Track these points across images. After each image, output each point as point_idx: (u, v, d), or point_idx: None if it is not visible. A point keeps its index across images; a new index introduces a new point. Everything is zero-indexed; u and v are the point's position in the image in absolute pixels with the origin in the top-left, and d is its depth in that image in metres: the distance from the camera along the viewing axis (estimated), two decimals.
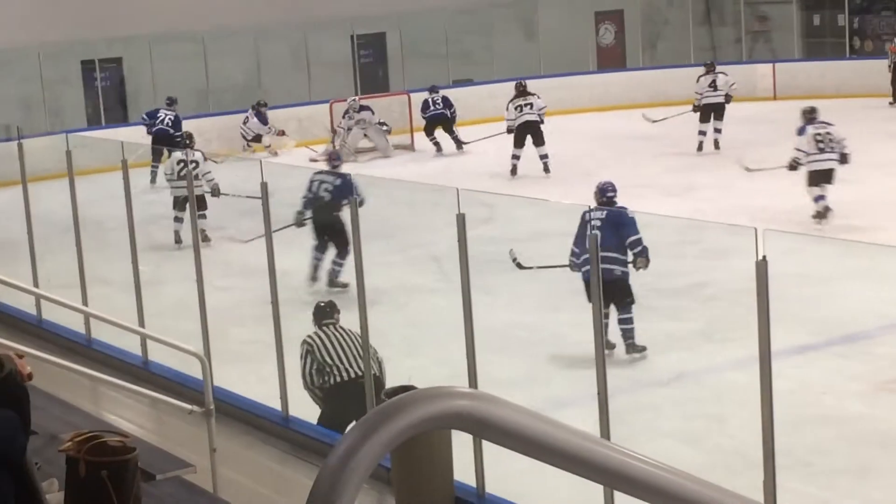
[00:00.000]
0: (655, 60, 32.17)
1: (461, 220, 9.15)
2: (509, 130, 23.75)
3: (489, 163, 23.91)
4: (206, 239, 17.17)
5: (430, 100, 26.81)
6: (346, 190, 13.97)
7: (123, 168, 12.83)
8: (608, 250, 11.97)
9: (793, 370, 11.32)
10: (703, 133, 24.89)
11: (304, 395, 11.50)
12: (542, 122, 23.69)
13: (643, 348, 12.44)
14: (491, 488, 9.23)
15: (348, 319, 12.02)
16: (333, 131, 26.62)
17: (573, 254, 12.69)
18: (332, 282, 15.64)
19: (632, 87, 31.44)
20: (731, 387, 11.04)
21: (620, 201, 13.78)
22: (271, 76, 29.44)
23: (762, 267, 7.18)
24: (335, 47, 30.66)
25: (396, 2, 30.49)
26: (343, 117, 26.36)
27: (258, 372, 11.85)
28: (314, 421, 10.83)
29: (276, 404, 11.02)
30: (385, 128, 26.17)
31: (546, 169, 23.14)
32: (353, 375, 10.58)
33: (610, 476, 2.59)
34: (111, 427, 7.53)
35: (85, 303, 13.09)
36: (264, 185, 10.89)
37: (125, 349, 12.74)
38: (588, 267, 12.33)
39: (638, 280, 14.19)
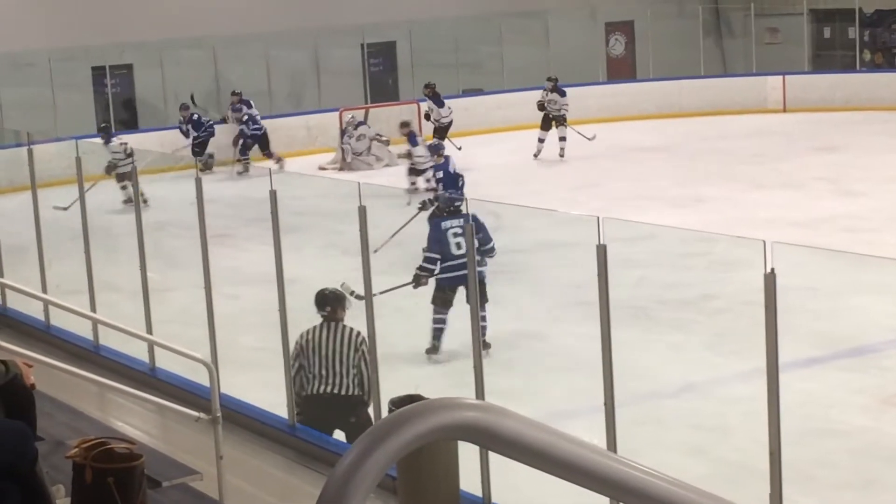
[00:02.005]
0: (665, 72, 32.15)
1: (470, 230, 9.17)
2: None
3: (497, 172, 23.91)
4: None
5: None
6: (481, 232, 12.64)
7: (132, 174, 12.85)
8: (458, 258, 12.60)
9: (799, 383, 11.30)
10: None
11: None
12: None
13: (489, 345, 12.36)
14: (497, 498, 9.23)
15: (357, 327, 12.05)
16: (342, 132, 26.65)
17: (429, 260, 13.08)
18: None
19: (641, 98, 31.44)
20: (737, 399, 11.03)
21: (626, 213, 13.85)
22: (281, 84, 29.46)
23: (770, 280, 7.18)
24: (345, 55, 30.69)
25: (407, 11, 30.52)
26: (343, 136, 26.43)
27: (265, 379, 11.84)
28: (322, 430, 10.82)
29: (282, 412, 11.02)
30: (384, 138, 26.21)
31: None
32: (332, 391, 10.45)
33: (616, 488, 2.60)
34: (118, 434, 7.55)
35: (93, 309, 13.11)
36: (273, 194, 10.91)
37: (132, 356, 12.76)
38: (451, 273, 12.88)
39: (644, 292, 14.20)
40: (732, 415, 11.05)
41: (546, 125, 26.30)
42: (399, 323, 13.93)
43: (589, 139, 25.29)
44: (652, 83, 31.96)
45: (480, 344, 9.36)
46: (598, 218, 8.12)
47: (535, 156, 25.83)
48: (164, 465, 7.15)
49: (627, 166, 24.21)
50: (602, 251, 8.12)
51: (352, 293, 12.30)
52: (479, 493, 9.22)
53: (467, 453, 8.32)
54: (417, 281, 13.11)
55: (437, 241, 13.16)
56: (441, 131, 26.00)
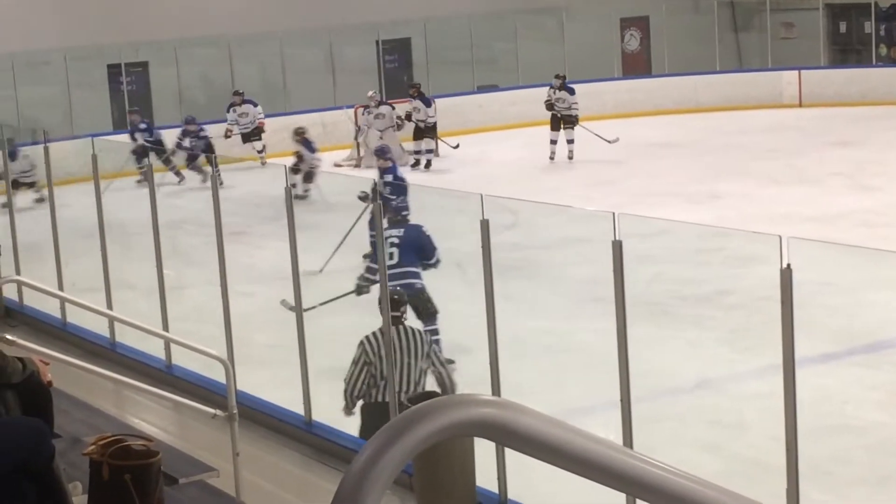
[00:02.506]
0: (680, 67, 32.10)
1: (485, 226, 9.17)
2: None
3: (512, 169, 23.90)
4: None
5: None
6: (414, 238, 12.98)
7: (149, 172, 12.87)
8: (410, 265, 12.51)
9: (814, 379, 11.28)
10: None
11: (327, 400, 11.51)
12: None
13: (451, 361, 11.56)
14: (513, 495, 9.23)
15: (372, 325, 12.04)
16: (357, 128, 26.61)
17: (369, 270, 12.80)
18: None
19: (657, 93, 31.40)
20: (754, 396, 11.02)
21: (641, 209, 13.76)
22: (297, 81, 29.48)
23: (787, 275, 7.17)
24: (360, 53, 30.70)
25: (422, 7, 30.51)
26: (363, 114, 26.38)
27: (281, 376, 11.86)
28: (337, 425, 10.82)
29: (299, 409, 11.04)
30: (400, 122, 26.07)
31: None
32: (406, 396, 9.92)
33: (632, 484, 2.60)
34: (135, 431, 7.57)
35: (109, 306, 13.14)
36: (288, 190, 10.92)
37: (149, 353, 12.78)
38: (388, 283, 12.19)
39: (660, 287, 14.18)
40: (749, 411, 11.03)
41: (556, 125, 25.80)
42: (415, 319, 13.93)
43: (610, 142, 25.02)
44: (667, 79, 31.92)
45: (496, 340, 9.35)
46: (613, 214, 8.11)
47: (551, 159, 25.37)
48: (181, 462, 7.16)
49: (643, 162, 24.17)
50: (618, 247, 8.12)
51: (291, 308, 12.14)
52: (495, 489, 9.22)
53: (483, 450, 8.30)
54: (360, 290, 12.84)
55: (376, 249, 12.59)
56: (428, 131, 25.95)
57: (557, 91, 25.84)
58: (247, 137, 26.84)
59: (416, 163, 25.80)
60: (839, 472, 10.02)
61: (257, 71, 29.15)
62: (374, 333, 10.04)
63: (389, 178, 17.87)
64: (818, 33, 32.70)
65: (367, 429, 10.00)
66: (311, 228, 14.38)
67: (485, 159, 25.33)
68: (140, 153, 23.37)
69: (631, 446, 8.09)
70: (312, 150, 23.37)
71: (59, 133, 23.49)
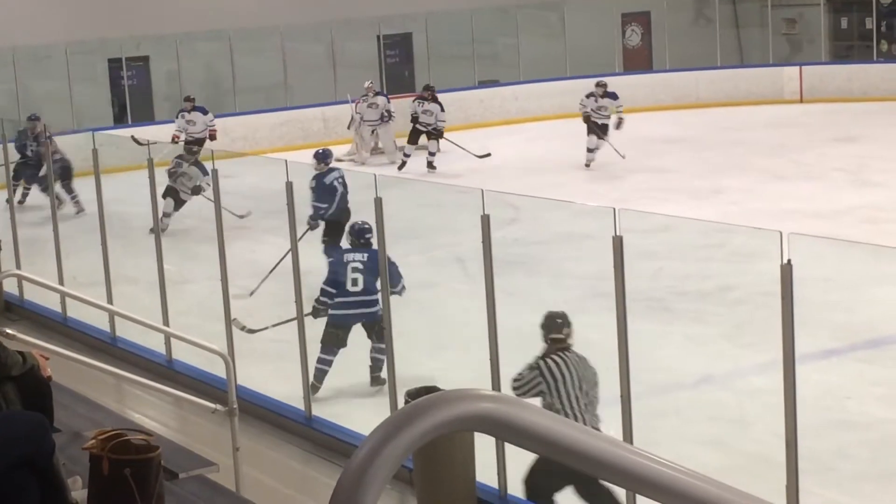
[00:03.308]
0: (682, 62, 32.09)
1: (486, 220, 9.17)
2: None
3: (514, 164, 23.88)
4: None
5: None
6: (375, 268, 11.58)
7: (149, 167, 12.87)
8: (371, 293, 11.82)
9: (816, 374, 11.28)
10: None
11: (327, 395, 11.53)
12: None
13: (383, 381, 11.51)
14: (513, 490, 9.23)
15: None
16: (351, 118, 26.47)
17: (326, 294, 12.03)
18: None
19: (658, 89, 31.38)
20: (755, 391, 11.01)
21: (643, 204, 13.71)
22: (298, 76, 29.47)
23: (787, 271, 7.17)
24: (362, 47, 30.69)
25: (423, 2, 30.49)
26: (360, 101, 26.21)
27: (281, 371, 11.86)
28: (337, 420, 10.82)
29: (299, 404, 11.05)
30: (391, 120, 25.87)
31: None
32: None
33: (632, 479, 2.59)
34: (135, 425, 7.55)
35: (110, 301, 13.14)
36: (289, 185, 10.92)
37: (149, 347, 12.79)
38: (345, 311, 11.88)
39: (662, 283, 14.17)
40: (750, 406, 11.03)
41: (594, 129, 24.02)
42: (416, 314, 13.94)
43: (622, 157, 23.98)
44: (669, 74, 31.89)
45: (496, 335, 9.35)
46: (614, 209, 8.11)
47: (587, 165, 23.76)
48: (181, 457, 7.15)
49: (644, 158, 24.15)
50: (619, 242, 8.12)
51: (242, 328, 12.38)
52: (495, 484, 9.23)
53: (484, 445, 8.28)
54: (316, 313, 11.96)
55: (334, 272, 12.26)
56: (436, 136, 24.91)
57: (600, 99, 24.15)
58: (192, 146, 23.74)
59: (403, 164, 24.77)
60: (841, 468, 10.01)
61: (258, 65, 29.12)
62: (548, 361, 9.05)
63: (314, 182, 16.09)
64: (820, 29, 32.67)
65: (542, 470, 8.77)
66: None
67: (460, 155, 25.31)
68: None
69: (631, 442, 8.09)
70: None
71: (60, 127, 23.50)
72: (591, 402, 8.90)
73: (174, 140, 24.51)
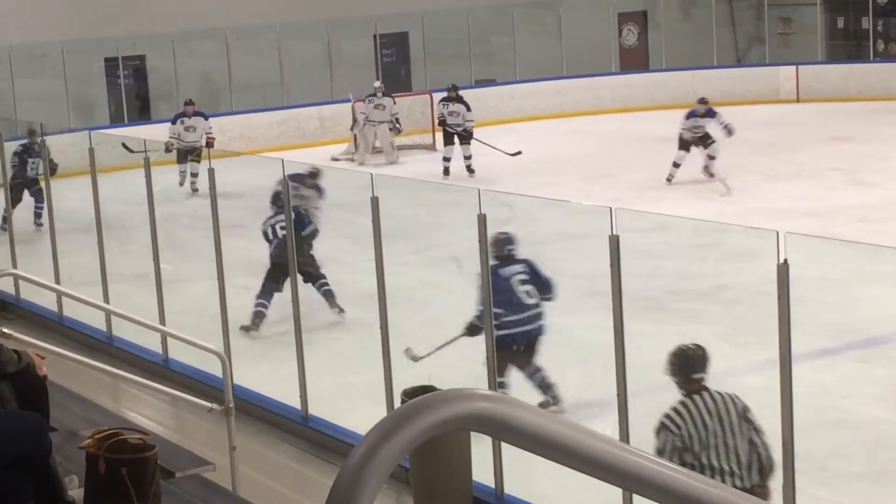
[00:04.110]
0: (678, 62, 32.11)
1: (482, 220, 9.17)
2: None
3: (510, 163, 23.87)
4: None
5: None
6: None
7: (146, 166, 12.88)
8: (536, 306, 11.16)
9: (812, 374, 11.29)
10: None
11: (324, 394, 11.52)
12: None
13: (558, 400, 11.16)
14: (510, 489, 9.23)
15: (367, 319, 12.03)
16: (354, 120, 26.32)
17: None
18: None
19: (654, 88, 31.40)
20: (752, 390, 11.00)
21: (639, 203, 13.67)
22: (294, 75, 29.47)
23: (783, 270, 7.18)
24: (358, 46, 30.68)
25: (420, 1, 30.49)
26: (365, 101, 25.98)
27: (278, 371, 11.87)
28: (334, 419, 10.82)
29: (295, 403, 11.05)
30: (398, 125, 25.68)
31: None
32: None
33: (628, 479, 2.59)
34: (131, 424, 7.56)
35: (106, 300, 13.14)
36: (286, 185, 10.92)
37: (146, 347, 12.79)
38: (521, 328, 11.04)
39: (658, 282, 14.17)
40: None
41: (686, 147, 21.77)
42: (411, 313, 13.94)
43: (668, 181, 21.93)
44: (665, 73, 31.91)
45: (492, 334, 9.35)
46: (610, 209, 8.11)
47: (669, 180, 21.52)
48: (178, 456, 7.16)
49: (641, 157, 24.16)
50: (615, 242, 8.12)
51: (414, 358, 11.49)
52: (491, 484, 9.23)
53: (480, 445, 8.29)
54: (475, 331, 10.79)
55: (497, 293, 10.70)
56: (467, 137, 23.83)
57: (701, 118, 21.82)
58: (185, 155, 22.98)
59: (447, 170, 23.69)
60: (837, 467, 10.02)
61: (255, 64, 29.11)
62: (674, 409, 7.86)
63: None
64: (816, 29, 32.69)
65: None
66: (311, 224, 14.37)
67: (482, 153, 25.28)
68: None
69: (627, 441, 8.09)
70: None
71: (55, 126, 23.48)
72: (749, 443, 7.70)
73: (167, 148, 22.47)
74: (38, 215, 19.19)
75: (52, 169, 18.72)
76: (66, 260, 14.67)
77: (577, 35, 31.48)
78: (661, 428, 7.69)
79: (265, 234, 14.24)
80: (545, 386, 11.18)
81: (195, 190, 22.08)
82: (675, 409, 7.76)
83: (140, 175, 12.89)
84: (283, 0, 29.85)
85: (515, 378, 10.99)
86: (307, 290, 13.50)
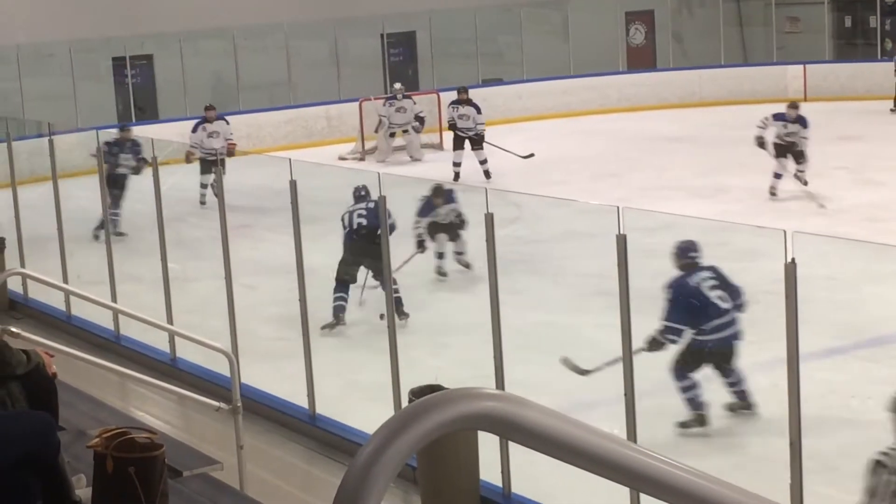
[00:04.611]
0: (686, 61, 32.09)
1: (489, 219, 9.18)
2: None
3: (517, 162, 23.87)
4: None
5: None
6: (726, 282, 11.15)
7: (153, 165, 12.89)
8: (730, 311, 10.68)
9: (820, 373, 11.27)
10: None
11: (332, 393, 11.52)
12: None
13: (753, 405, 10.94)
14: (517, 489, 9.24)
15: (374, 318, 12.04)
16: (379, 121, 26.14)
17: (672, 331, 10.70)
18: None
19: (662, 87, 31.39)
20: (759, 389, 11.00)
21: (646, 203, 13.63)
22: (301, 74, 29.49)
23: (791, 269, 7.18)
24: (365, 45, 30.69)
25: (427, 1, 30.48)
26: (384, 104, 25.90)
27: (285, 370, 11.88)
28: (341, 419, 10.83)
29: (303, 402, 11.06)
30: (417, 124, 25.54)
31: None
32: None
33: (636, 479, 2.59)
34: (139, 423, 7.57)
35: (114, 299, 13.16)
36: (293, 183, 10.92)
37: (153, 346, 12.81)
38: (723, 333, 10.60)
39: (665, 281, 14.15)
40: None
41: (783, 153, 20.22)
42: (419, 312, 13.95)
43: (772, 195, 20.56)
44: (672, 73, 31.90)
45: (500, 333, 9.35)
46: (618, 208, 8.12)
47: (773, 193, 20.06)
48: (185, 455, 7.16)
49: (648, 156, 24.15)
50: (622, 241, 8.13)
51: (579, 370, 11.11)
52: (499, 483, 9.23)
53: (488, 444, 8.28)
54: (655, 346, 10.56)
55: (687, 305, 10.71)
56: (478, 141, 23.17)
57: (790, 125, 20.29)
58: (210, 165, 20.61)
59: (457, 176, 22.81)
60: (845, 467, 10.00)
61: (262, 64, 29.12)
62: (893, 449, 6.92)
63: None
64: (823, 27, 32.66)
65: None
66: (316, 221, 14.36)
67: (489, 153, 25.27)
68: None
69: (635, 440, 8.09)
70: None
71: (63, 126, 23.50)
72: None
73: (189, 159, 21.45)
74: (114, 223, 17.62)
75: (138, 167, 18.10)
76: (74, 259, 14.69)
77: (585, 34, 31.47)
78: (877, 466, 6.91)
79: (343, 221, 14.38)
80: (741, 392, 10.86)
81: (203, 203, 20.79)
82: (894, 449, 6.95)
83: (147, 174, 12.90)
84: (290, 0, 29.89)
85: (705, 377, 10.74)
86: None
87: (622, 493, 8.38)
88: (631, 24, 34.18)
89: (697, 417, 10.66)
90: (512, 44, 31.87)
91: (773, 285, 7.46)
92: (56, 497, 5.27)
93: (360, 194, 14.46)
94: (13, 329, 7.18)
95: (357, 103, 27.30)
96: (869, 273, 14.34)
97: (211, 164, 20.10)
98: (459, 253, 15.36)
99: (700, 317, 10.62)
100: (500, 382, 9.26)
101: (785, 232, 7.11)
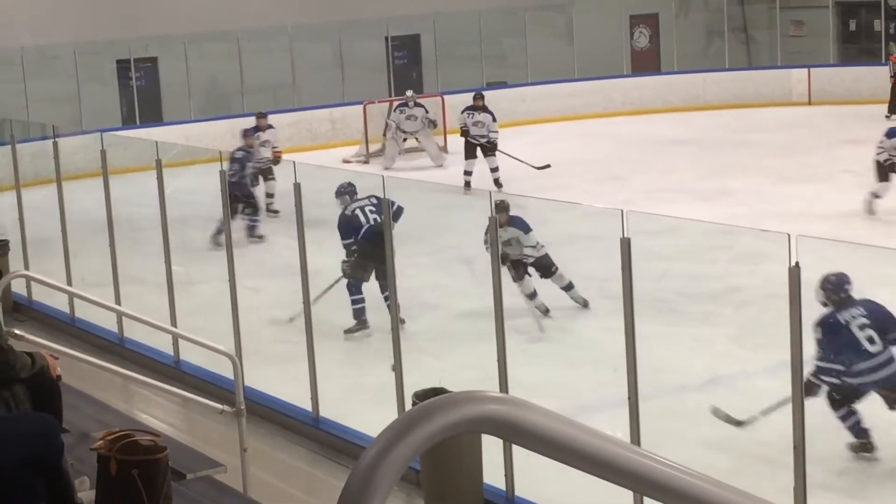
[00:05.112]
0: (690, 64, 32.09)
1: (493, 222, 9.18)
2: None
3: (522, 166, 23.87)
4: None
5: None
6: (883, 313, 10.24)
7: (157, 168, 12.88)
8: (883, 353, 9.79)
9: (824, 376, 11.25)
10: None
11: (335, 396, 11.52)
12: None
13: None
14: (521, 492, 9.23)
15: (375, 319, 12.04)
16: (386, 125, 26.09)
17: (828, 372, 9.79)
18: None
19: (666, 90, 31.39)
20: (763, 393, 11.00)
21: (650, 206, 13.62)
22: (306, 77, 29.50)
23: (795, 273, 7.17)
24: (370, 48, 30.70)
25: (431, 3, 30.50)
26: (394, 110, 25.81)
27: (289, 372, 11.87)
28: (344, 421, 10.83)
29: (306, 405, 11.05)
30: (429, 129, 25.37)
31: None
32: None
33: (639, 481, 2.59)
34: (142, 426, 7.57)
35: (118, 302, 13.16)
36: (297, 186, 10.92)
37: (157, 348, 12.81)
38: (876, 375, 9.79)
39: (669, 285, 14.15)
40: (758, 408, 11.01)
41: (885, 176, 18.73)
42: (423, 315, 13.95)
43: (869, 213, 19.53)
44: (677, 76, 31.90)
45: (503, 336, 9.35)
46: (622, 211, 8.11)
47: (870, 212, 18.54)
48: (189, 458, 7.16)
49: (652, 159, 24.15)
50: (626, 244, 8.12)
51: (734, 421, 10.50)
52: (502, 486, 9.23)
53: (491, 447, 8.26)
54: (811, 390, 9.45)
55: (841, 344, 9.82)
56: (492, 147, 22.53)
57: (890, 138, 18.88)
58: (264, 175, 20.54)
59: (468, 185, 21.45)
60: (850, 470, 10.00)
61: (266, 66, 29.13)
62: None
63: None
64: (828, 31, 32.66)
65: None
66: (321, 224, 14.36)
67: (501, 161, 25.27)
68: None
69: (639, 443, 8.09)
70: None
71: (68, 128, 23.52)
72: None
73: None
74: (252, 227, 18.23)
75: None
76: (78, 261, 14.69)
77: (589, 37, 31.49)
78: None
79: (353, 217, 14.02)
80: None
81: (276, 212, 19.76)
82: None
83: (152, 176, 12.90)
84: (294, 2, 29.88)
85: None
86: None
87: (626, 496, 8.37)
88: (635, 28, 34.19)
89: (862, 445, 10.00)
90: (516, 47, 31.88)
91: (777, 288, 7.45)
92: (59, 499, 5.27)
93: (348, 190, 14.30)
94: (17, 331, 7.19)
95: (361, 106, 27.32)
96: (874, 277, 14.32)
97: (264, 172, 20.32)
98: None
99: (850, 356, 9.77)
100: (503, 385, 9.26)
101: (789, 235, 7.10)
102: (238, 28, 28.38)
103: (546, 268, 14.16)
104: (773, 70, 32.01)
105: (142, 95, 28.29)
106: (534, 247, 14.07)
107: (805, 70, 31.36)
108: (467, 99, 29.14)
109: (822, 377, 9.77)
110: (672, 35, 32.83)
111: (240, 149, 19.32)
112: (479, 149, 22.66)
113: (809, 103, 30.76)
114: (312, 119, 28.56)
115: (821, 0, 32.78)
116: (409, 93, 25.82)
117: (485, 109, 22.98)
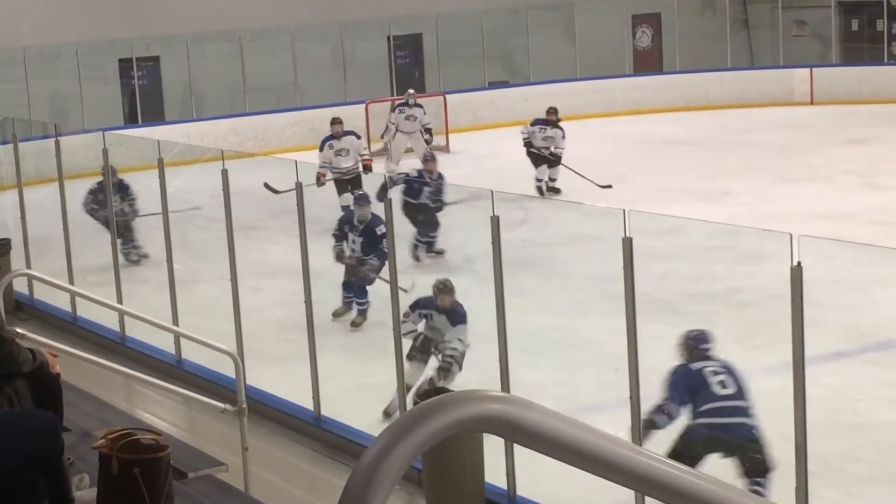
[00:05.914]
0: (692, 64, 32.07)
1: (495, 222, 9.18)
2: None
3: (524, 165, 23.86)
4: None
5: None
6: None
7: (159, 167, 12.89)
8: (736, 398, 9.36)
9: (826, 377, 11.27)
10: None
11: (337, 395, 11.52)
12: None
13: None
14: (522, 491, 9.23)
15: (380, 316, 12.03)
16: (386, 127, 25.99)
17: (664, 411, 9.22)
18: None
19: (668, 90, 31.37)
20: (765, 393, 11.00)
21: (652, 206, 13.61)
22: (308, 76, 29.49)
23: (797, 273, 7.17)
24: (371, 48, 30.69)
25: (433, 3, 30.49)
26: (394, 111, 25.75)
27: (291, 372, 11.88)
28: (346, 420, 10.83)
29: (308, 404, 11.06)
30: (426, 136, 25.29)
31: None
32: None
33: (641, 481, 2.59)
34: (144, 425, 7.57)
35: (120, 300, 13.17)
36: (299, 185, 10.93)
37: (159, 347, 12.81)
38: (716, 419, 9.34)
39: (671, 285, 14.15)
40: (760, 408, 11.00)
41: None
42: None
43: (602, 187, 20.85)
44: (679, 76, 31.88)
45: (505, 336, 9.35)
46: (624, 211, 8.11)
47: None
48: (190, 457, 7.16)
49: (654, 159, 24.14)
50: (628, 244, 8.12)
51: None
52: (504, 485, 9.23)
53: (493, 446, 8.26)
54: (648, 428, 9.07)
55: (687, 388, 9.39)
56: (556, 160, 21.89)
57: None
58: (345, 185, 19.21)
59: (540, 190, 21.52)
60: (851, 471, 10.00)
61: (268, 66, 29.13)
62: None
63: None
64: (830, 31, 32.63)
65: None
66: (322, 223, 14.37)
67: (496, 156, 25.29)
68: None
69: (640, 443, 8.09)
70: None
71: (69, 127, 23.53)
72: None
73: (319, 180, 18.44)
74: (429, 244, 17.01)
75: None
76: (79, 260, 14.69)
77: (591, 37, 31.48)
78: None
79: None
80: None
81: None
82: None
83: (154, 176, 12.91)
84: (296, 2, 29.87)
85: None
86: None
87: (627, 495, 8.38)
88: (637, 27, 34.17)
89: None
90: (518, 46, 31.86)
91: (780, 288, 7.45)
92: (60, 497, 5.27)
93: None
94: (19, 330, 7.19)
95: (363, 105, 27.31)
96: (875, 277, 14.33)
97: (346, 183, 19.05)
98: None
99: (702, 399, 9.37)
100: (505, 385, 9.26)
101: (791, 235, 7.10)
102: (240, 28, 28.38)
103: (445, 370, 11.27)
104: (776, 70, 31.98)
105: (144, 95, 28.28)
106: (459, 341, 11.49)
107: (807, 70, 31.34)
108: (469, 99, 29.20)
109: (655, 416, 9.15)
110: (674, 35, 32.79)
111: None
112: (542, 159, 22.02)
113: (812, 103, 30.74)
114: (315, 118, 28.51)
115: (823, 0, 32.76)
116: (411, 91, 25.82)
117: (557, 125, 22.21)
